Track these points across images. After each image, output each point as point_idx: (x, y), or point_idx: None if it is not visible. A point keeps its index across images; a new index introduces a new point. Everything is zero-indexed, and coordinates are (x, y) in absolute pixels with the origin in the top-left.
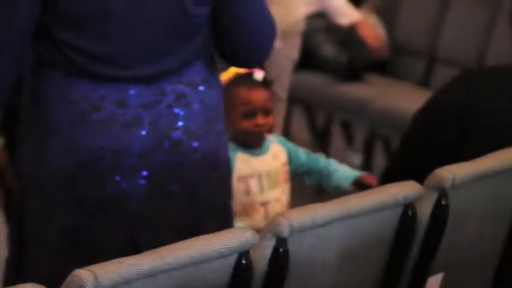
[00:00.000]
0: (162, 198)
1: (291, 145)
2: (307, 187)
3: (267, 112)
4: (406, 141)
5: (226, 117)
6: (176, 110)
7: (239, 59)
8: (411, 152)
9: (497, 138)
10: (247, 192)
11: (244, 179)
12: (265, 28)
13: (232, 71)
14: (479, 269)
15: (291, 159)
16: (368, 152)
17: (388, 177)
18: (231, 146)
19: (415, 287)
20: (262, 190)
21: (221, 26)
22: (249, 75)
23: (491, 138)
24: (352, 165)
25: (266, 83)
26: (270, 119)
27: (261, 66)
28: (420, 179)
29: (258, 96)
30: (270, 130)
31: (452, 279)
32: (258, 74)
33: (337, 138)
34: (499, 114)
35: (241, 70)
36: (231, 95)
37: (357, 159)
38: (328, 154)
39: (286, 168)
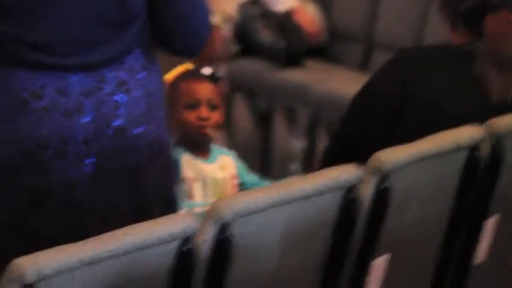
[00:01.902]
0: (108, 185)
1: (242, 166)
2: None
3: (212, 107)
4: (344, 123)
5: (171, 113)
6: (117, 97)
7: (175, 48)
8: (349, 134)
9: (433, 117)
10: (190, 195)
11: (188, 180)
12: (201, 17)
13: (181, 68)
14: (423, 250)
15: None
16: (311, 137)
17: (328, 159)
18: (177, 148)
19: (360, 269)
20: (205, 196)
21: (156, 15)
22: (197, 70)
23: (427, 117)
24: (295, 151)
25: (214, 78)
26: (216, 115)
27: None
28: (358, 160)
29: (203, 88)
30: (216, 127)
31: (397, 260)
32: (206, 70)
33: (279, 124)
34: (434, 93)
35: (190, 66)
36: (176, 89)
37: (300, 144)
38: (271, 140)
39: (236, 182)
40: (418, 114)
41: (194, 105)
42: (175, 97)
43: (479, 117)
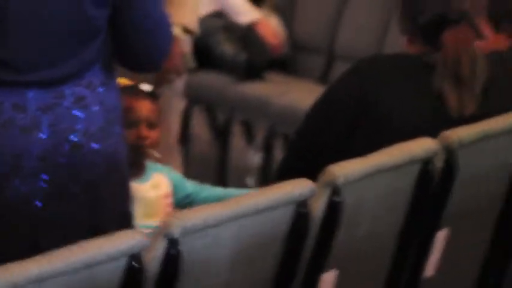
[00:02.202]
0: (63, 201)
1: (177, 176)
2: None
3: (151, 125)
4: (300, 134)
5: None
6: (75, 112)
7: (136, 63)
8: (305, 146)
9: (390, 129)
10: None
11: None
12: (163, 32)
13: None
14: (374, 265)
15: (176, 190)
16: (268, 150)
17: (283, 172)
18: None
19: (309, 284)
20: (137, 217)
21: (119, 30)
22: (135, 87)
23: (384, 129)
24: (252, 164)
25: (153, 95)
26: (155, 133)
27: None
28: (314, 173)
29: (143, 106)
30: (154, 146)
31: (347, 275)
32: (144, 86)
33: (237, 138)
34: (392, 104)
35: (127, 82)
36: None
37: (258, 157)
38: (228, 153)
39: (169, 201)
40: (376, 126)
41: (133, 123)
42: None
43: (437, 130)
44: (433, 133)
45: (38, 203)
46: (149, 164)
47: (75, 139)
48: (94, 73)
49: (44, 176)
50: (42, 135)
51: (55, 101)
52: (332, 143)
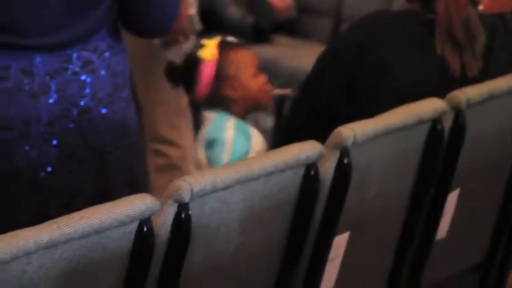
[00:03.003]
0: (73, 166)
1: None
2: None
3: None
4: (302, 89)
5: (232, 84)
6: (83, 77)
7: (143, 28)
8: (307, 101)
9: (388, 75)
10: None
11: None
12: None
13: (213, 42)
14: (386, 227)
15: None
16: (279, 113)
17: (287, 131)
18: (241, 122)
19: (321, 246)
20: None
21: None
22: (225, 42)
23: (382, 75)
24: (264, 128)
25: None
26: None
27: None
28: (319, 132)
29: (247, 56)
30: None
31: (359, 236)
32: (230, 38)
33: None
34: (391, 51)
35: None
36: (237, 59)
37: (269, 121)
38: None
39: None
40: (377, 83)
41: (259, 73)
42: (240, 67)
43: (441, 90)
44: (438, 92)
45: (48, 168)
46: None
47: (83, 104)
48: (100, 37)
49: (54, 142)
50: (50, 100)
51: (62, 65)
52: (332, 99)
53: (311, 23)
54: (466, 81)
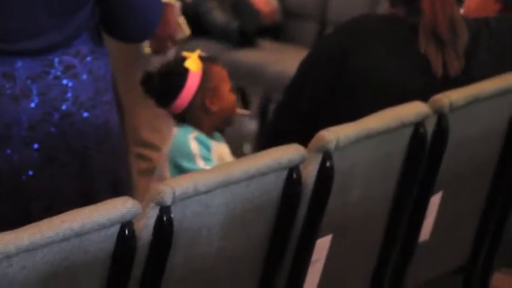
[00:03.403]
0: (54, 170)
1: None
2: None
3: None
4: (285, 92)
5: (213, 97)
6: (64, 81)
7: (125, 33)
8: (290, 103)
9: (370, 79)
10: None
11: None
12: (153, 2)
13: (194, 54)
14: (369, 230)
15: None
16: (263, 117)
17: (270, 134)
18: (201, 137)
19: (303, 249)
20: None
21: (106, 2)
22: (210, 57)
23: (364, 78)
24: (248, 131)
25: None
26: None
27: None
28: (301, 136)
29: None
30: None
31: (342, 240)
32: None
33: None
34: (374, 55)
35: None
36: (217, 74)
37: (253, 124)
38: None
39: None
40: (359, 85)
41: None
42: (221, 81)
43: (423, 90)
44: (421, 94)
45: (30, 172)
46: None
47: (65, 108)
48: (82, 41)
49: (35, 145)
50: (32, 104)
51: (44, 69)
52: (314, 102)
53: (296, 27)
54: (448, 81)
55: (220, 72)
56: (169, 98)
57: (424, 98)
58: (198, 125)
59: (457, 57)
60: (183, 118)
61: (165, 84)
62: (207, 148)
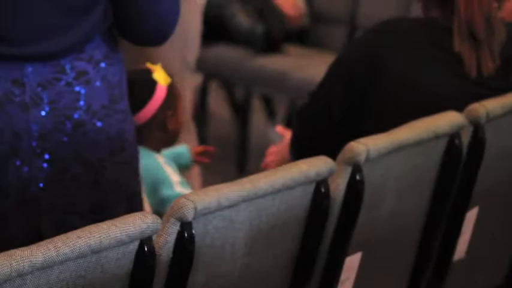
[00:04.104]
0: (66, 182)
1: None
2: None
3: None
4: (315, 89)
5: (172, 114)
6: (77, 88)
7: (141, 37)
8: (318, 100)
9: (405, 91)
10: None
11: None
12: (170, 4)
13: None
14: (400, 247)
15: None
16: (289, 126)
17: (296, 142)
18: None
19: (332, 268)
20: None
21: (121, 2)
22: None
23: (399, 91)
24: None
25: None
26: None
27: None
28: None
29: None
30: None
31: (372, 257)
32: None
33: (257, 113)
34: (411, 68)
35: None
36: (176, 91)
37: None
38: (248, 131)
39: None
40: (390, 89)
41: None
42: (179, 99)
43: (456, 93)
44: (452, 97)
45: (40, 184)
46: None
47: (77, 116)
48: (95, 46)
49: (46, 156)
50: (42, 112)
51: (55, 75)
52: (343, 106)
53: (324, 31)
54: (483, 83)
55: (179, 91)
56: (134, 108)
57: (458, 100)
58: (149, 143)
59: (492, 57)
60: (141, 132)
61: (132, 92)
62: (175, 171)
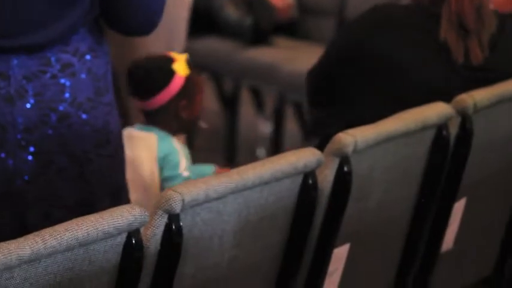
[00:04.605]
0: (51, 175)
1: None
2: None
3: None
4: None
5: (188, 104)
6: (62, 81)
7: (128, 27)
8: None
9: (384, 65)
10: None
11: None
12: None
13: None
14: (388, 238)
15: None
16: (278, 119)
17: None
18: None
19: (320, 259)
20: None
21: None
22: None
23: (379, 65)
24: (262, 134)
25: None
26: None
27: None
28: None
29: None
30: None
31: (360, 248)
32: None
33: (246, 106)
34: (396, 44)
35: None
36: (194, 83)
37: (267, 127)
38: (237, 123)
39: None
40: (376, 74)
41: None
42: (199, 90)
43: (443, 79)
44: (439, 82)
45: (25, 177)
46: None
47: (63, 109)
48: (80, 38)
49: (31, 149)
50: (27, 105)
51: (41, 68)
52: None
53: (313, 23)
54: (471, 70)
55: (200, 83)
56: (148, 93)
57: (445, 88)
58: (165, 127)
59: (481, 46)
60: (154, 116)
61: (149, 78)
62: (187, 158)
